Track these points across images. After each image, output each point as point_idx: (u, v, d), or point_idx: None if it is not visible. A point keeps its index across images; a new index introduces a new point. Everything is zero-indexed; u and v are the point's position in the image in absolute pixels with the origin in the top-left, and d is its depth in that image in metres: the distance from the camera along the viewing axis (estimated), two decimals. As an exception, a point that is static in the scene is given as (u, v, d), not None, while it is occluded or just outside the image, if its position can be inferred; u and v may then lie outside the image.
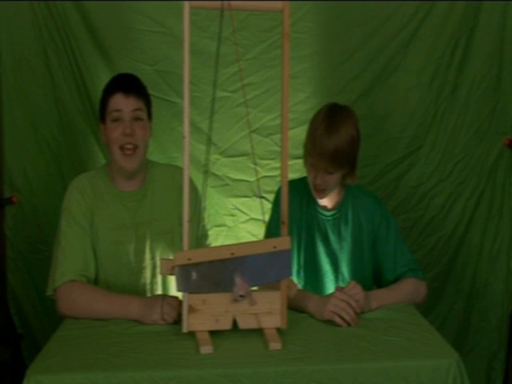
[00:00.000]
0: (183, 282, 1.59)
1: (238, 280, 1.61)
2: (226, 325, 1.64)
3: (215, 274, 1.60)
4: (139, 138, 1.94)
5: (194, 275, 1.58)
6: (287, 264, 1.65)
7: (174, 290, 2.03)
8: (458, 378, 1.53)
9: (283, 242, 1.65)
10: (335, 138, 1.88)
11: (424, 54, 2.48)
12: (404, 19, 2.45)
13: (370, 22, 2.44)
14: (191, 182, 1.73)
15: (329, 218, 2.05)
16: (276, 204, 2.03)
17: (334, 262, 2.06)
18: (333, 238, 2.05)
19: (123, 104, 1.93)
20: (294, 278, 2.10)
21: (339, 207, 2.05)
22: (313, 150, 1.92)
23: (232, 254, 1.60)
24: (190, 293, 1.60)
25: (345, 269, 2.06)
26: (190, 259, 1.58)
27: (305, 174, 2.08)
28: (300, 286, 2.08)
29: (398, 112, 2.54)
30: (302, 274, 2.08)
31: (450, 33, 2.47)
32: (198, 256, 1.59)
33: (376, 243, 2.04)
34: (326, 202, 2.05)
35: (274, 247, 1.63)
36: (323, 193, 1.99)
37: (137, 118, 1.95)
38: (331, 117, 1.92)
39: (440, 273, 2.62)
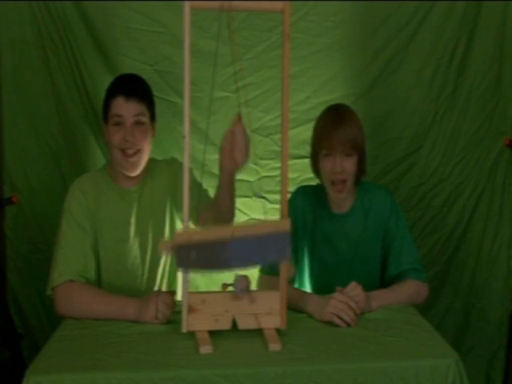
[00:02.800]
0: (183, 261, 1.57)
1: (238, 277, 1.62)
2: (226, 325, 1.64)
3: (215, 253, 1.58)
4: (140, 142, 1.95)
5: (193, 254, 1.57)
6: (286, 246, 1.63)
7: (176, 283, 2.05)
8: (457, 378, 1.53)
9: (283, 224, 1.63)
10: (347, 122, 1.96)
11: (424, 54, 2.48)
12: (404, 19, 2.45)
13: (369, 22, 2.44)
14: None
15: (342, 220, 2.06)
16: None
17: (348, 263, 2.06)
18: (346, 238, 2.06)
19: (124, 109, 1.93)
20: (308, 283, 2.10)
21: (352, 209, 2.06)
22: (327, 140, 1.95)
23: (232, 234, 1.59)
24: (192, 270, 1.60)
25: (359, 268, 2.06)
26: (190, 238, 1.57)
27: (306, 176, 2.09)
28: (314, 291, 2.09)
29: (398, 112, 2.53)
30: (315, 277, 2.09)
31: (450, 33, 2.47)
32: (198, 235, 1.58)
33: (385, 236, 2.05)
34: (339, 208, 2.06)
35: (274, 229, 1.62)
36: (343, 185, 1.97)
37: (138, 123, 1.95)
38: (336, 111, 2.00)
39: (439, 272, 2.62)
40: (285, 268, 1.66)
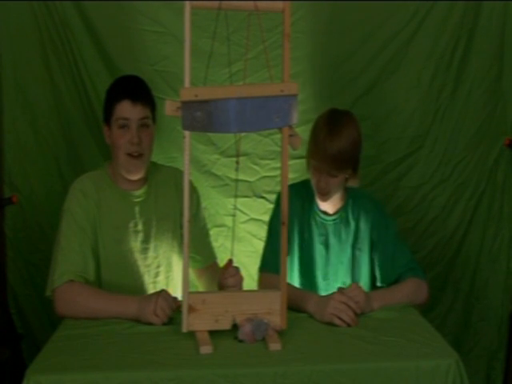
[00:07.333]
0: (188, 121, 1.55)
1: (247, 328, 1.61)
2: (226, 325, 1.64)
3: (221, 113, 1.56)
4: (146, 145, 1.96)
5: (199, 113, 1.54)
6: (293, 110, 1.61)
7: (176, 289, 2.05)
8: (457, 378, 1.53)
9: (291, 87, 1.61)
10: (338, 140, 1.91)
11: (424, 54, 2.48)
12: (404, 19, 2.45)
13: (369, 22, 2.44)
14: (191, 184, 1.74)
15: (330, 222, 2.06)
16: (277, 204, 2.04)
17: (333, 265, 2.07)
18: (333, 240, 2.06)
19: (131, 112, 1.93)
20: (295, 277, 2.10)
21: (340, 212, 2.06)
22: (316, 154, 1.94)
23: (239, 93, 1.56)
24: (196, 131, 1.59)
25: (343, 272, 2.06)
26: (196, 96, 1.54)
27: (306, 176, 2.08)
28: (298, 285, 2.08)
29: (398, 112, 2.53)
30: (300, 274, 2.08)
31: (450, 33, 2.47)
32: (205, 93, 1.56)
33: (374, 245, 2.05)
34: (327, 207, 2.05)
35: (282, 91, 1.59)
36: (327, 195, 1.99)
37: (143, 126, 1.96)
38: (333, 120, 1.96)
39: (440, 273, 2.62)
40: (286, 133, 1.62)
